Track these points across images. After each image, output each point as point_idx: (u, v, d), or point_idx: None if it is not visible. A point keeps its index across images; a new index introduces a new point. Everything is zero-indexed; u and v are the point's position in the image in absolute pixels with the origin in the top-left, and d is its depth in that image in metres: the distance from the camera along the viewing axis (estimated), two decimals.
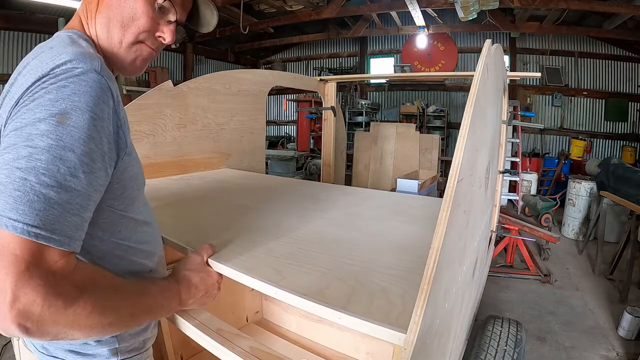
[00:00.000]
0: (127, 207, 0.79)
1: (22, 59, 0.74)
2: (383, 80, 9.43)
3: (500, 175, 2.15)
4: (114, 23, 0.76)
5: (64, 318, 0.56)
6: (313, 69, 10.27)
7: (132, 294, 0.71)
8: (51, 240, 0.56)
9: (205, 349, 0.95)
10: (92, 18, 0.77)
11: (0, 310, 0.51)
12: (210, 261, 0.96)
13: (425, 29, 7.32)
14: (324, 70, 9.94)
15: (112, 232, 0.76)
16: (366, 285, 0.81)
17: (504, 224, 3.90)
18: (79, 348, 0.77)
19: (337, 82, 3.34)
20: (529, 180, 6.37)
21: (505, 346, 1.62)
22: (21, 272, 0.53)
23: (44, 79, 0.61)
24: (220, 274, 0.95)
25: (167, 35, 0.83)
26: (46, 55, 0.65)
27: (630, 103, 7.63)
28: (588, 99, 7.97)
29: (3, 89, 0.72)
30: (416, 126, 6.48)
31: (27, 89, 0.61)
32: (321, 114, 3.33)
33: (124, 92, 7.25)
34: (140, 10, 0.76)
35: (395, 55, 9.51)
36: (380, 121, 8.54)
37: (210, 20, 0.96)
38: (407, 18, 7.17)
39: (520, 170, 5.90)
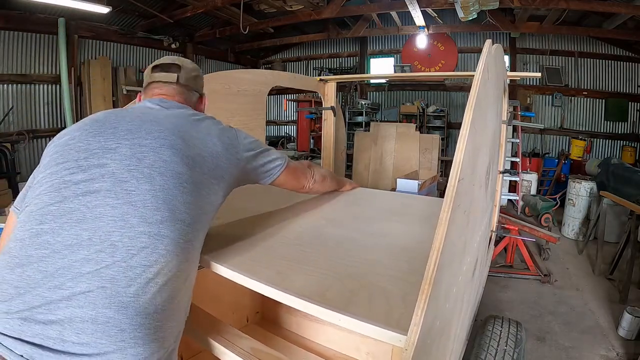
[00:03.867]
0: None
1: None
2: (383, 80, 9.41)
3: (500, 175, 2.15)
4: None
5: None
6: (313, 69, 10.25)
7: None
8: None
9: (205, 349, 0.95)
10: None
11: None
12: (212, 263, 0.96)
13: (425, 29, 7.31)
14: (324, 70, 9.91)
15: None
16: (366, 286, 0.81)
17: (504, 224, 3.90)
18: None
19: (337, 82, 3.33)
20: (529, 180, 6.37)
21: (506, 346, 1.62)
22: None
23: None
24: None
25: None
26: None
27: (630, 103, 7.61)
28: (588, 99, 7.96)
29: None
30: (416, 126, 6.47)
31: None
32: (321, 114, 3.33)
33: (124, 92, 7.25)
34: None
35: (395, 55, 9.49)
36: (380, 121, 8.53)
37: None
38: (407, 18, 7.16)
39: (520, 170, 5.89)
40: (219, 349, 0.89)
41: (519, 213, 5.72)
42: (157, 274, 0.75)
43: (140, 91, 1.18)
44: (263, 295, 0.83)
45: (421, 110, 8.59)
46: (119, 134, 0.86)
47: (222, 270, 0.92)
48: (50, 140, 0.96)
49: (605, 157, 7.23)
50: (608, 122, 7.85)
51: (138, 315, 0.70)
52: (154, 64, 1.17)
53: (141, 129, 0.88)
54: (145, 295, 0.72)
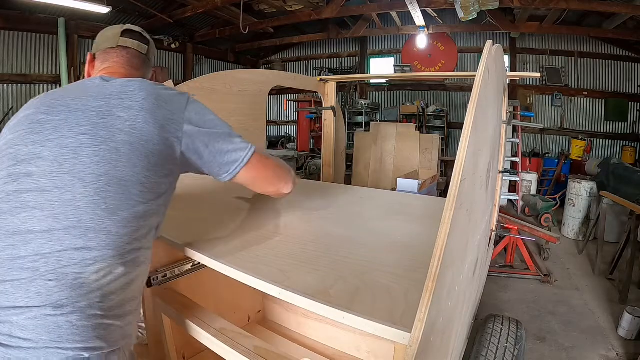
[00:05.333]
0: None
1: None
2: (383, 80, 9.42)
3: (500, 175, 2.15)
4: None
5: None
6: (313, 69, 10.26)
7: None
8: None
9: (207, 348, 0.95)
10: None
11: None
12: (213, 262, 0.96)
13: (425, 29, 7.32)
14: (324, 70, 9.93)
15: None
16: (369, 285, 0.81)
17: (504, 224, 3.90)
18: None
19: (337, 82, 3.34)
20: (529, 180, 6.37)
21: (506, 343, 1.63)
22: None
23: None
24: None
25: None
26: None
27: (630, 103, 7.62)
28: (588, 99, 7.97)
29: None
30: (416, 126, 6.48)
31: None
32: (321, 114, 3.34)
33: None
34: None
35: (395, 55, 9.50)
36: (380, 121, 8.54)
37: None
38: (407, 18, 7.17)
39: (520, 170, 5.89)
40: (222, 347, 0.89)
41: (519, 213, 5.72)
42: (91, 281, 0.76)
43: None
44: (264, 294, 0.84)
45: (421, 110, 8.60)
46: (44, 132, 0.82)
47: (224, 268, 0.92)
48: None
49: (605, 157, 7.24)
50: (608, 122, 7.86)
51: (73, 314, 0.73)
52: (123, 27, 1.07)
53: (64, 125, 0.83)
54: (80, 298, 0.74)
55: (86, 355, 0.73)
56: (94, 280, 0.76)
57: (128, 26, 1.08)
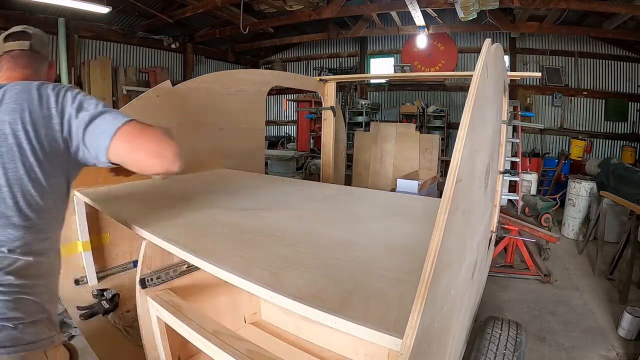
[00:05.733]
0: None
1: None
2: (383, 80, 9.41)
3: (500, 175, 2.14)
4: None
5: None
6: (313, 69, 10.25)
7: None
8: None
9: (202, 351, 0.94)
10: None
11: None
12: (206, 264, 0.95)
13: (425, 29, 7.31)
14: (324, 70, 9.91)
15: None
16: (363, 288, 0.80)
17: (504, 224, 3.89)
18: None
19: (337, 82, 3.33)
20: (529, 180, 6.36)
21: (505, 350, 1.61)
22: None
23: None
24: None
25: None
26: None
27: (630, 103, 7.61)
28: (588, 99, 7.95)
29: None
30: (416, 126, 6.47)
31: None
32: (321, 114, 3.33)
33: (124, 92, 7.25)
34: None
35: (395, 55, 9.49)
36: (380, 121, 8.53)
37: None
38: (407, 18, 7.16)
39: (520, 170, 5.88)
40: (215, 350, 0.88)
41: (519, 213, 5.71)
42: (5, 266, 0.87)
43: (140, 91, 1.16)
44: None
45: (421, 110, 8.59)
46: None
47: (217, 271, 0.91)
48: None
49: (605, 157, 7.23)
50: (608, 122, 7.85)
51: None
52: (5, 33, 1.13)
53: None
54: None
55: (10, 325, 0.84)
56: (7, 265, 0.88)
57: (12, 29, 1.14)
